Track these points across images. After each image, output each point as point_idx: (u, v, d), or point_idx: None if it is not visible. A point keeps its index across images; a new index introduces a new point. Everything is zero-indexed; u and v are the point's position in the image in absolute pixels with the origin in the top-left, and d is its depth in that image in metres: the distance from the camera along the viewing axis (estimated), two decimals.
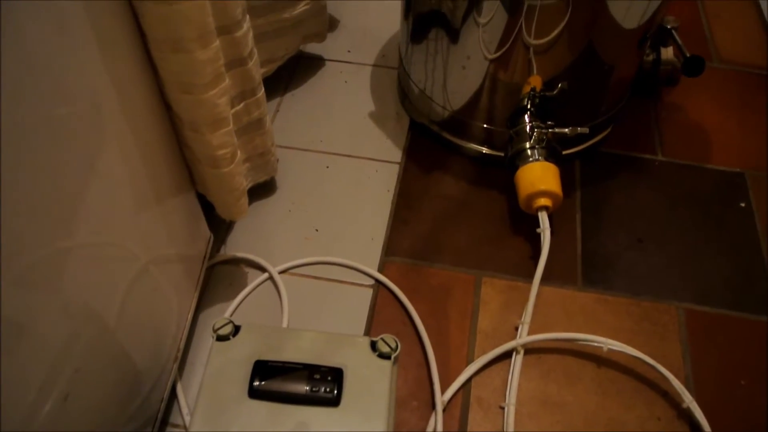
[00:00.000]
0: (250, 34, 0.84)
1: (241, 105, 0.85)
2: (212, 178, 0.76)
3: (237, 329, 0.68)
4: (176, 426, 0.79)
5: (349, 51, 1.25)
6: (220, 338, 0.67)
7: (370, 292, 0.90)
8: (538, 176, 0.90)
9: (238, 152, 0.77)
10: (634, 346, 0.81)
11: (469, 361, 0.83)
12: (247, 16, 0.82)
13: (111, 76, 0.56)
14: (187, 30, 0.62)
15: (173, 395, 0.80)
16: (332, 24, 1.30)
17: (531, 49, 0.88)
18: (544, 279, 0.89)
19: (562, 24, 0.84)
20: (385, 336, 0.67)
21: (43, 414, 0.50)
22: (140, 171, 0.65)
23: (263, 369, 0.63)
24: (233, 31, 0.77)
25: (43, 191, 0.47)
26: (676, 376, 0.80)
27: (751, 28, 1.34)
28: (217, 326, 0.68)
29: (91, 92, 0.53)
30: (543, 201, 0.90)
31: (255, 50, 0.85)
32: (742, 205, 1.01)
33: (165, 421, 0.79)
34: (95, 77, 0.54)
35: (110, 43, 0.56)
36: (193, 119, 0.70)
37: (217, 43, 0.66)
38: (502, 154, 1.00)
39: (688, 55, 1.07)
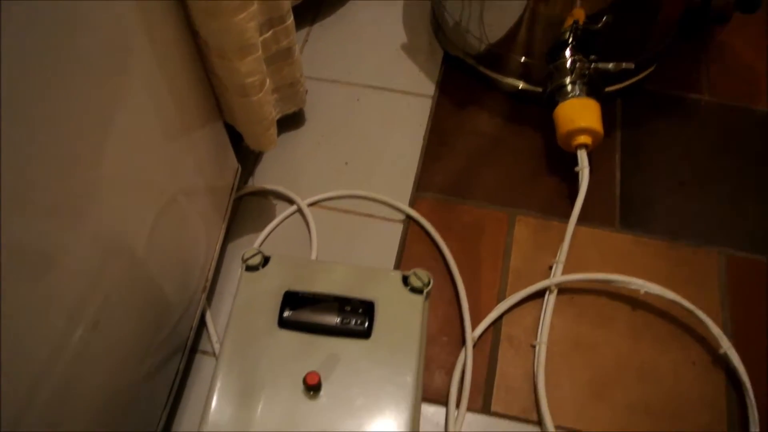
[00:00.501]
0: None
1: (270, 33, 0.82)
2: (240, 108, 0.74)
3: (266, 260, 0.67)
4: (206, 353, 0.79)
5: None
6: (250, 268, 0.66)
7: (400, 227, 0.88)
8: (579, 113, 0.86)
9: (267, 80, 0.74)
10: (671, 291, 0.79)
11: (501, 299, 0.81)
12: None
13: (137, 1, 0.53)
14: None
15: (202, 323, 0.80)
16: None
17: None
18: (580, 219, 0.86)
19: None
20: (417, 270, 0.65)
21: (74, 341, 0.50)
22: (167, 99, 0.62)
23: (293, 300, 0.62)
24: None
25: (70, 121, 0.45)
26: (714, 321, 0.78)
27: None
28: (246, 256, 0.66)
29: (116, 18, 0.50)
30: (582, 138, 0.86)
31: None
32: None
33: (194, 349, 0.79)
34: (120, 3, 0.51)
35: None
36: (221, 45, 0.67)
37: None
38: (540, 90, 0.96)
39: None
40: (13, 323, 0.42)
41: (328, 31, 1.12)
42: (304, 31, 1.12)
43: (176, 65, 0.64)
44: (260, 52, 0.71)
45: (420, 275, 0.65)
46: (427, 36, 1.11)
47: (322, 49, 1.09)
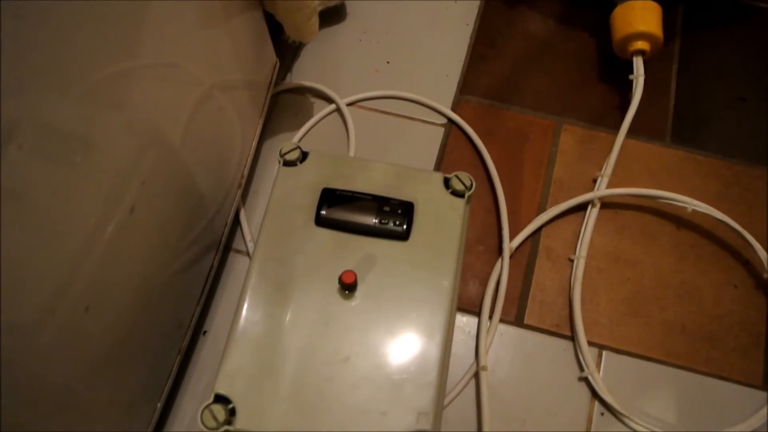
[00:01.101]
0: None
1: None
2: None
3: (305, 155, 0.65)
4: (239, 252, 0.78)
5: None
6: (287, 163, 0.64)
7: (441, 130, 0.85)
8: (638, 16, 0.81)
9: None
10: (719, 211, 0.75)
11: (541, 210, 0.79)
12: None
13: None
14: None
15: (236, 222, 0.79)
16: None
17: None
18: (630, 131, 0.82)
19: None
20: (459, 173, 0.62)
21: (111, 225, 0.49)
22: None
23: (331, 197, 0.61)
24: None
25: (108, 9, 0.43)
26: (762, 245, 0.75)
27: None
28: (284, 151, 0.64)
29: None
30: (640, 44, 0.81)
31: None
32: None
33: (228, 247, 0.78)
34: None
35: None
36: None
37: None
38: None
39: None
40: (50, 206, 0.41)
41: None
42: None
43: None
44: None
45: (462, 178, 0.62)
46: None
47: None
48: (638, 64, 0.82)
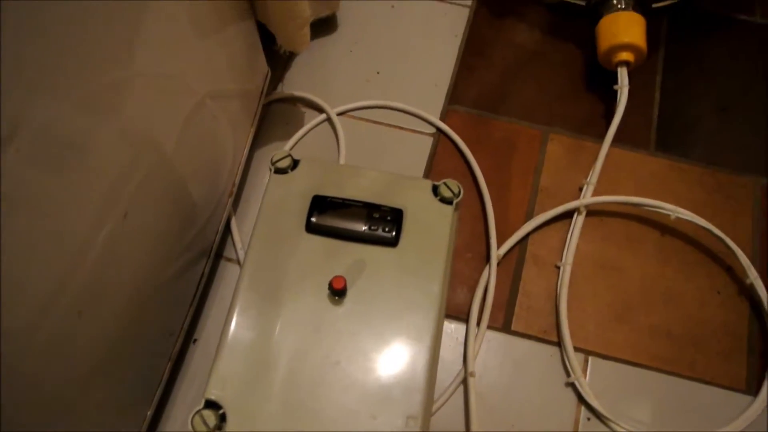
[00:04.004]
0: None
1: None
2: (275, 2, 0.71)
3: (296, 163, 0.66)
4: (230, 260, 0.79)
5: None
6: (279, 171, 0.65)
7: (430, 140, 0.86)
8: (623, 27, 0.83)
9: None
10: (703, 218, 0.77)
11: (528, 218, 0.80)
12: None
13: None
14: None
15: (227, 230, 0.80)
16: None
17: None
18: (615, 140, 0.84)
19: None
20: (448, 180, 0.64)
21: (104, 232, 0.50)
22: None
23: (321, 204, 0.62)
24: None
25: (101, 14, 0.44)
26: (744, 251, 0.76)
27: None
28: (275, 159, 0.65)
29: None
30: (624, 55, 0.83)
31: None
32: None
33: (219, 255, 0.79)
34: None
35: None
36: None
37: None
38: (583, 3, 0.91)
39: None
40: (46, 210, 0.42)
41: None
42: None
43: None
44: None
45: (450, 185, 0.64)
46: None
47: None
48: (623, 74, 0.83)
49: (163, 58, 0.56)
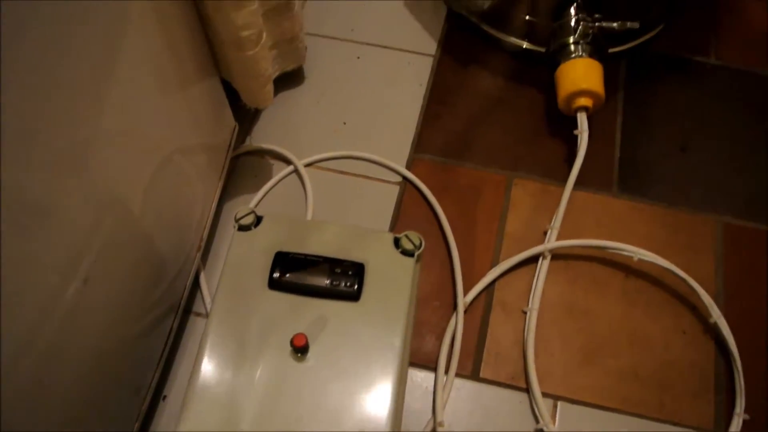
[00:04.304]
0: None
1: None
2: (237, 62, 0.73)
3: (259, 220, 0.66)
4: (199, 314, 0.79)
5: None
6: (242, 228, 0.66)
7: (396, 189, 0.87)
8: (581, 74, 0.85)
9: (264, 35, 0.73)
10: (666, 258, 0.78)
11: (495, 264, 0.81)
12: None
13: None
14: None
15: (196, 284, 0.80)
16: None
17: None
18: (578, 183, 0.85)
19: None
20: (409, 233, 0.65)
21: (66, 297, 0.50)
22: (164, 54, 0.61)
23: (284, 260, 0.62)
24: None
25: (66, 76, 0.45)
26: (707, 290, 0.77)
27: None
28: (239, 216, 0.66)
29: None
30: (583, 101, 0.85)
31: None
32: None
33: (188, 310, 0.79)
34: None
35: None
36: None
37: None
38: (544, 50, 0.94)
39: None
40: (5, 277, 0.42)
41: None
42: None
43: (173, 18, 0.63)
44: (256, 5, 0.70)
45: (411, 237, 0.65)
46: None
47: (326, 3, 1.07)
48: (582, 119, 0.85)
49: (128, 117, 0.56)
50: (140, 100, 0.58)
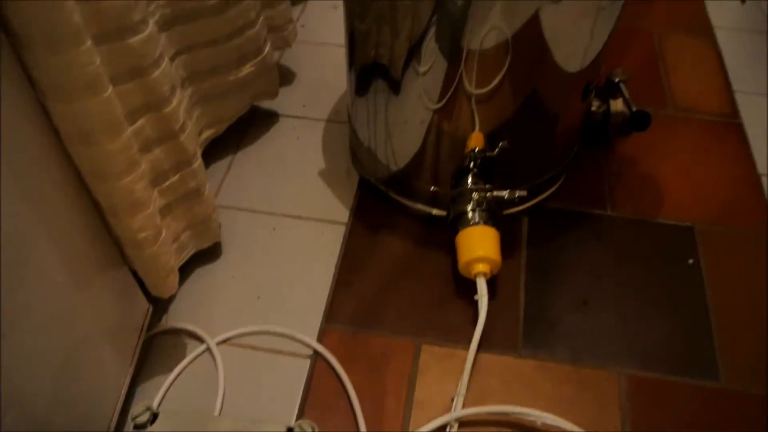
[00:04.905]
0: (182, 108, 0.84)
1: (177, 176, 0.86)
2: (137, 260, 0.76)
3: (155, 417, 0.67)
4: None
5: (304, 105, 1.26)
6: (138, 426, 0.67)
7: (307, 363, 0.89)
8: (476, 242, 0.90)
9: (163, 232, 0.77)
10: (572, 416, 0.80)
11: None
12: (178, 91, 0.83)
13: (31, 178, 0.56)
14: (94, 123, 0.63)
15: None
16: (289, 77, 1.31)
17: (473, 100, 0.85)
18: (484, 346, 0.88)
19: (503, 71, 0.81)
20: (302, 422, 0.66)
21: None
22: (67, 253, 0.65)
23: None
24: (162, 108, 0.78)
25: None
26: None
27: (709, 74, 1.34)
28: (134, 414, 0.67)
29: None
30: (480, 267, 0.89)
31: (189, 123, 0.86)
32: (690, 261, 1.01)
33: None
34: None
35: (27, 142, 0.57)
36: (111, 205, 0.70)
37: (128, 132, 0.67)
38: (445, 214, 0.99)
39: (634, 109, 1.07)
40: None
41: (251, 158, 1.16)
42: (227, 159, 1.16)
43: (73, 221, 0.67)
44: (151, 208, 0.74)
45: (304, 426, 0.66)
46: (345, 161, 1.15)
47: (244, 177, 1.13)
48: (481, 284, 0.89)
49: (31, 314, 0.58)
50: (43, 298, 0.60)
